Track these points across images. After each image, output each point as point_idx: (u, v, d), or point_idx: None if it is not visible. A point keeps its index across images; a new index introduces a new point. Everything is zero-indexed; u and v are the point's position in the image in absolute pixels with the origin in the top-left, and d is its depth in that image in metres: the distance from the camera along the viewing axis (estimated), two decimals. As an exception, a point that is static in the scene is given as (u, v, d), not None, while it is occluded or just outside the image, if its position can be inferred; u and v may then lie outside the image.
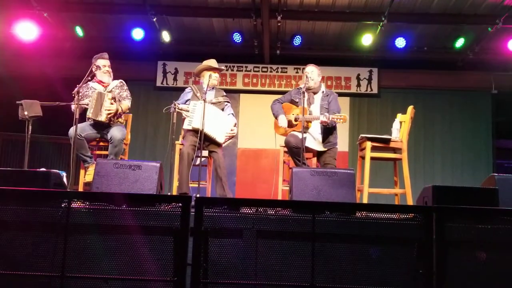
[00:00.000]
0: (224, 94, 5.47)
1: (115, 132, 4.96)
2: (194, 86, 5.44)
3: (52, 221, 3.02)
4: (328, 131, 5.15)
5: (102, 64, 5.17)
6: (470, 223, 3.04)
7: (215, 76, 5.30)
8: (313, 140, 5.11)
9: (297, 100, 5.31)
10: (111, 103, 4.96)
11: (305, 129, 4.91)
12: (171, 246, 2.96)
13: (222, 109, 5.27)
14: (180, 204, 3.04)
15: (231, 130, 5.11)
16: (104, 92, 5.01)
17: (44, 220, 3.02)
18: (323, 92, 5.34)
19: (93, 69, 5.07)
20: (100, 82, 5.20)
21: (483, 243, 3.03)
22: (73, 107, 4.83)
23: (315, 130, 5.14)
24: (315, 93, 5.30)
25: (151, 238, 3.00)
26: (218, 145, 5.07)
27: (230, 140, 5.19)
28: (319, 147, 5.14)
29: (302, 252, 3.03)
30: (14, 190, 3.13)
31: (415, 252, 3.04)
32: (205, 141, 4.97)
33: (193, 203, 3.12)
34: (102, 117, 4.92)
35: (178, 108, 5.01)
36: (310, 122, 5.09)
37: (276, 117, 5.37)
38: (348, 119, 8.45)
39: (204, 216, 3.02)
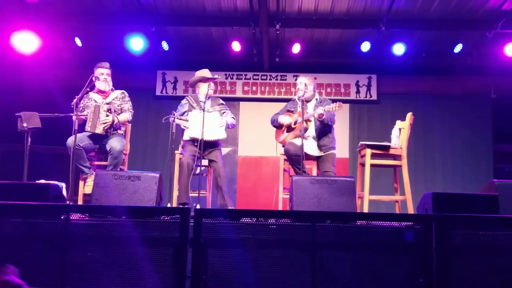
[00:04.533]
0: (221, 102, 5.47)
1: (114, 144, 4.95)
2: (189, 97, 5.43)
3: (51, 234, 3.01)
4: (324, 131, 5.18)
5: (100, 73, 5.16)
6: (469, 231, 3.03)
7: (210, 86, 5.29)
8: (310, 145, 5.13)
9: (292, 110, 5.44)
10: (107, 115, 4.98)
11: (305, 130, 4.96)
12: (170, 258, 2.96)
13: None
14: (178, 216, 3.03)
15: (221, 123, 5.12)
16: (100, 104, 5.01)
17: (43, 234, 3.02)
18: (316, 99, 5.41)
19: (93, 79, 5.06)
20: (99, 92, 5.20)
21: (484, 251, 3.02)
22: (74, 117, 4.83)
23: (312, 133, 5.19)
24: (308, 101, 5.34)
25: (150, 250, 2.99)
26: (216, 145, 5.10)
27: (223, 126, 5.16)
28: (317, 152, 5.15)
29: (303, 262, 3.02)
30: (13, 204, 3.12)
31: (415, 261, 3.03)
32: (206, 149, 4.97)
33: (192, 213, 3.11)
34: (99, 130, 4.94)
35: (177, 118, 5.02)
36: (309, 121, 5.14)
37: (277, 121, 5.43)
38: (347, 122, 8.54)
39: (203, 226, 3.02)
